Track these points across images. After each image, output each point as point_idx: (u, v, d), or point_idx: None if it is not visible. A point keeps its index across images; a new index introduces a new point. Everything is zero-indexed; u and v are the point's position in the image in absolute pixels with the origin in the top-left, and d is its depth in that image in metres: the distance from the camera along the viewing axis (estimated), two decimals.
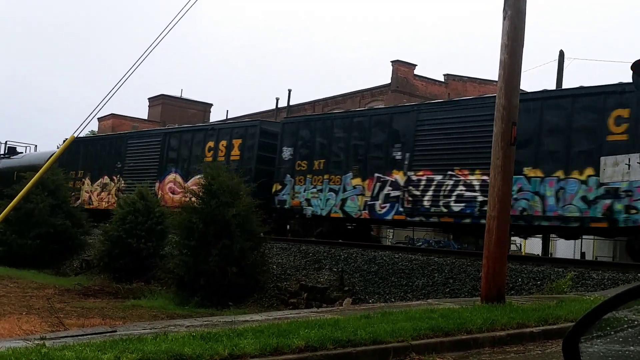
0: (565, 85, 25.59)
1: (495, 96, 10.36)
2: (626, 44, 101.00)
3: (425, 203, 18.50)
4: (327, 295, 15.62)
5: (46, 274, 21.69)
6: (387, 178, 19.39)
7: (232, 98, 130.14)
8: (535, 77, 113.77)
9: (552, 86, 25.22)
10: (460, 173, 17.97)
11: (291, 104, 52.15)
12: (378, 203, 19.61)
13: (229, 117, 58.01)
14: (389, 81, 48.34)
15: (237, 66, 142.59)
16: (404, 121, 19.72)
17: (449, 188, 18.08)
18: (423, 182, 18.73)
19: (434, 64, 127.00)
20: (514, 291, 13.24)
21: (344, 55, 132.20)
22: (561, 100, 16.92)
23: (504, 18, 10.11)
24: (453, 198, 17.97)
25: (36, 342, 6.16)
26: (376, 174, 19.80)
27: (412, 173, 18.94)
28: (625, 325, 2.06)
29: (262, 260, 17.64)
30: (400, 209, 18.99)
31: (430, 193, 18.49)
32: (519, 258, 15.36)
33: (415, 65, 49.16)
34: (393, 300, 14.44)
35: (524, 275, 14.03)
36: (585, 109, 16.13)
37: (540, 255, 21.88)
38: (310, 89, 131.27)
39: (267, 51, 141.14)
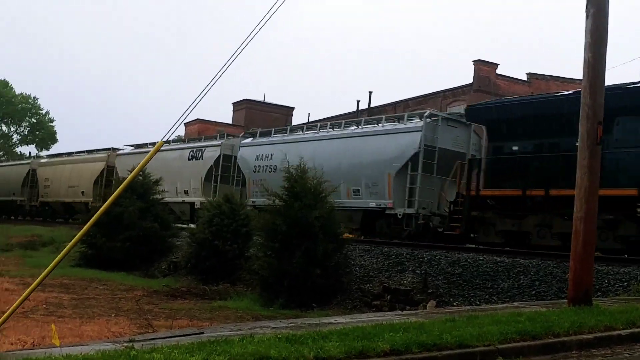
0: None
1: None
2: None
3: None
4: (410, 297, 15.46)
5: (135, 276, 22.18)
6: None
7: (314, 101, 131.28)
8: (622, 75, 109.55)
9: None
10: None
11: (372, 105, 52.09)
12: None
13: (310, 120, 58.40)
14: (470, 81, 47.70)
15: (320, 70, 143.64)
16: None
17: None
18: None
19: (517, 63, 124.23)
20: (601, 293, 12.84)
21: (426, 55, 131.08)
22: None
23: (587, 17, 9.99)
24: None
25: (125, 344, 6.32)
26: None
27: None
28: None
29: (344, 262, 17.64)
30: None
31: None
32: (605, 259, 14.81)
33: (498, 64, 48.37)
34: (478, 303, 14.18)
35: (611, 276, 13.56)
36: None
37: (627, 256, 21.05)
38: (392, 90, 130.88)
39: (349, 54, 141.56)
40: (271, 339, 6.54)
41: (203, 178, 31.21)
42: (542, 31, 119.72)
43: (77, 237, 7.01)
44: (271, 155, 27.18)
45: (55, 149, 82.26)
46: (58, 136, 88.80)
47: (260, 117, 66.72)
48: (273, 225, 17.21)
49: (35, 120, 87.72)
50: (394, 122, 23.97)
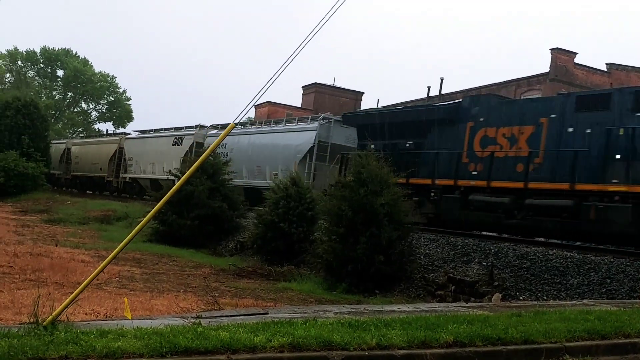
0: None
1: None
2: None
3: None
4: (475, 289, 15.30)
5: (203, 254, 22.62)
6: None
7: (385, 87, 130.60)
8: None
9: None
10: None
11: (444, 92, 51.47)
12: None
13: (379, 105, 58.15)
14: (546, 69, 46.59)
15: (392, 55, 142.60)
16: None
17: None
18: None
19: (596, 53, 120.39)
20: None
21: (501, 42, 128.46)
22: None
23: None
24: None
25: (192, 320, 6.50)
26: None
27: None
28: None
29: (409, 250, 17.58)
30: None
31: None
32: None
33: (576, 53, 47.06)
34: (545, 298, 13.93)
35: None
36: None
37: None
38: (466, 76, 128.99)
39: (422, 38, 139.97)
40: (334, 323, 6.61)
41: (180, 160, 36.21)
42: (626, 21, 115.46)
43: (150, 214, 7.20)
44: (225, 144, 33.63)
45: (131, 126, 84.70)
46: (134, 114, 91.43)
47: (329, 101, 66.82)
48: (338, 211, 17.26)
49: (112, 99, 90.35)
50: (306, 122, 31.06)
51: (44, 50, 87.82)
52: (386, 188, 17.45)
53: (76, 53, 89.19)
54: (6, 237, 20.24)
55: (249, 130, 34.91)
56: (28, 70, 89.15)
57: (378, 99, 66.19)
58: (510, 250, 16.32)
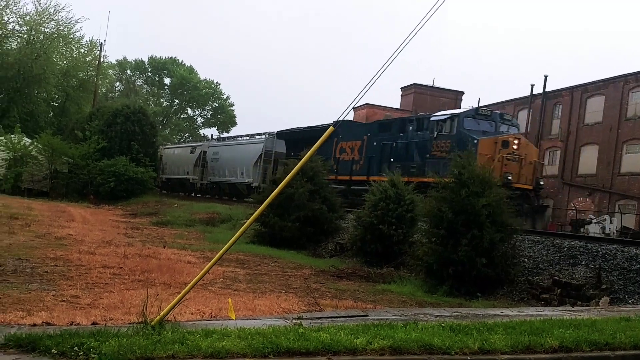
0: None
1: None
2: None
3: None
4: (582, 292, 14.78)
5: (303, 255, 22.82)
6: None
7: (487, 85, 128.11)
8: None
9: None
10: None
11: (548, 89, 49.98)
12: None
13: (480, 104, 57.09)
14: None
15: (493, 52, 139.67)
16: None
17: None
18: None
19: None
20: None
21: (605, 37, 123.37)
22: None
23: None
24: None
25: (294, 321, 6.61)
26: None
27: None
28: None
29: (512, 252, 17.17)
30: None
31: None
32: None
33: None
34: None
35: None
36: None
37: None
38: (573, 72, 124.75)
39: (525, 35, 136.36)
40: (435, 327, 6.57)
41: (193, 164, 51.97)
42: None
43: (253, 216, 7.42)
44: (218, 152, 48.13)
45: (234, 131, 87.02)
46: (237, 119, 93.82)
47: (429, 101, 66.20)
48: (439, 212, 17.05)
49: (217, 105, 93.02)
50: (258, 137, 43.40)
51: (152, 59, 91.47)
52: (488, 189, 17.10)
53: (182, 61, 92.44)
54: (117, 240, 21.13)
55: (230, 142, 49.11)
56: (137, 79, 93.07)
57: (479, 98, 65.01)
58: (618, 252, 15.68)
